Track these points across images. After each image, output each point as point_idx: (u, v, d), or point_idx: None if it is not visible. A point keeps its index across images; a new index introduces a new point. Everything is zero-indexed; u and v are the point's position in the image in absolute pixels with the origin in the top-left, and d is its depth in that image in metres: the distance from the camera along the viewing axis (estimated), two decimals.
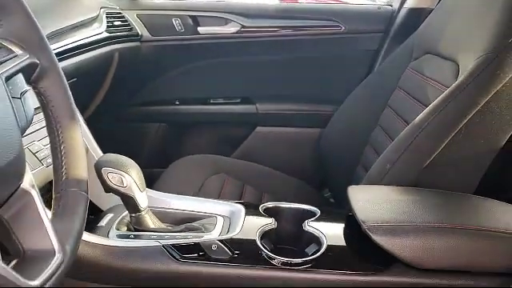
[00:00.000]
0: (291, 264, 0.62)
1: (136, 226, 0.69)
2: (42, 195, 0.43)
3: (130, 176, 0.64)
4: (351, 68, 1.39)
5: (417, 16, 1.26)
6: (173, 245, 0.64)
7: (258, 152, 1.39)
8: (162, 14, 1.36)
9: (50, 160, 0.64)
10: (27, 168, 0.40)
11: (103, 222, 0.71)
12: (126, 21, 1.29)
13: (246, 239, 0.66)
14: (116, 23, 1.22)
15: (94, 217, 0.74)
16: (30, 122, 0.45)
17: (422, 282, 0.62)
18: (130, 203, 0.66)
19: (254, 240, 0.65)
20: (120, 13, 1.28)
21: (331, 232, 0.68)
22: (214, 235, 0.67)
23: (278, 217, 0.72)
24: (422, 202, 0.67)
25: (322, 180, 1.34)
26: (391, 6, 1.37)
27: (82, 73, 0.98)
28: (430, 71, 0.87)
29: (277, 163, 1.29)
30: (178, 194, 0.81)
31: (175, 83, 1.43)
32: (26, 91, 0.45)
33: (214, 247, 0.64)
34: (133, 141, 1.44)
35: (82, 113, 0.92)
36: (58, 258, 0.38)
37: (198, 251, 0.63)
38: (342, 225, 0.72)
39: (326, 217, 0.73)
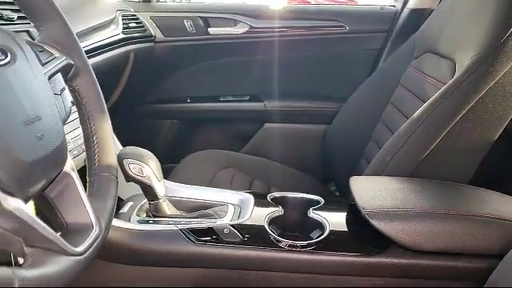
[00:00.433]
0: (296, 246, 0.67)
1: (154, 213, 0.74)
2: None
3: (148, 166, 0.69)
4: (355, 67, 1.42)
5: (418, 16, 1.29)
6: (189, 229, 0.69)
7: (266, 147, 1.42)
8: (175, 15, 1.41)
9: (76, 152, 0.70)
10: (68, 154, 0.46)
11: (124, 209, 0.76)
12: (140, 22, 1.34)
13: (256, 224, 0.71)
14: (131, 25, 1.27)
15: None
16: (68, 115, 0.51)
17: (417, 262, 0.66)
18: (148, 191, 0.71)
19: (263, 225, 0.70)
20: (135, 15, 1.33)
21: (334, 218, 0.73)
22: (225, 220, 0.72)
23: (284, 205, 0.76)
24: (419, 190, 0.71)
25: (328, 174, 1.36)
26: (394, 6, 1.41)
27: (101, 72, 1.03)
28: (429, 69, 0.91)
29: (284, 158, 1.32)
30: None
31: (187, 82, 1.48)
32: (64, 88, 0.51)
33: (226, 231, 0.68)
34: (146, 137, 1.48)
35: None
36: (95, 231, 0.44)
37: (211, 234, 0.68)
38: (344, 212, 0.76)
39: (329, 205, 0.77)
